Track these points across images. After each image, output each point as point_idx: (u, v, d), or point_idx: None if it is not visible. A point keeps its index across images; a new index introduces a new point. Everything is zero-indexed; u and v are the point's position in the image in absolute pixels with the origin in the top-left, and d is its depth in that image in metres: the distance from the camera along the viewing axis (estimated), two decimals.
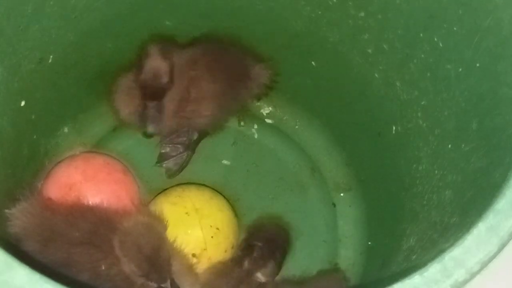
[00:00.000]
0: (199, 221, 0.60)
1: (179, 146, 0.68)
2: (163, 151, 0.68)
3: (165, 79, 0.60)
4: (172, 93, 0.62)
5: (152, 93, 0.61)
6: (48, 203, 0.56)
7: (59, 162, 0.64)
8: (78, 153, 0.67)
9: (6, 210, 0.54)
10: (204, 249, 0.60)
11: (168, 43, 0.63)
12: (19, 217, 0.54)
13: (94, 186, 0.60)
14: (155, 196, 0.65)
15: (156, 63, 0.60)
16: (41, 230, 0.53)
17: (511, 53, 0.43)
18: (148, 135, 0.62)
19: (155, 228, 0.54)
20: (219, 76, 0.64)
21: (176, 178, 0.68)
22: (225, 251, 0.61)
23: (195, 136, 0.68)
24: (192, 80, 0.63)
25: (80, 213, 0.54)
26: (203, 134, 0.69)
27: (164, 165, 0.68)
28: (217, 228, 0.61)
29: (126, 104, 0.64)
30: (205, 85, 0.63)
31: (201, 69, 0.64)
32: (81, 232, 0.53)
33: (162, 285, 0.52)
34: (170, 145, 0.68)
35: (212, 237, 0.60)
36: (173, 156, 0.68)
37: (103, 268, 0.51)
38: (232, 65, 0.66)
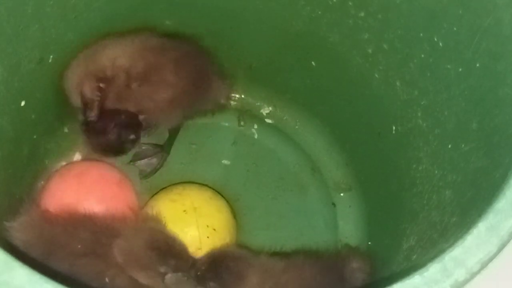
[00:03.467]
0: (196, 220, 0.60)
1: (154, 147, 0.68)
2: (138, 150, 0.68)
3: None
4: (131, 69, 0.62)
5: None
6: (46, 215, 0.56)
7: (55, 172, 0.64)
8: (74, 160, 0.67)
9: (6, 223, 0.53)
10: (199, 249, 0.59)
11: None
12: (19, 230, 0.53)
13: (86, 206, 0.58)
14: (156, 193, 0.64)
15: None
16: (41, 243, 0.53)
17: (511, 53, 0.43)
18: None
19: (157, 228, 0.54)
20: (182, 74, 0.64)
21: (178, 177, 0.67)
22: None
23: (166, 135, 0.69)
24: (155, 64, 0.63)
25: (79, 222, 0.54)
26: (172, 134, 0.69)
27: (137, 164, 0.68)
28: (214, 229, 0.61)
29: (78, 92, 0.63)
30: (165, 74, 0.63)
31: (167, 59, 0.63)
32: (83, 243, 0.52)
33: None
34: (145, 145, 0.68)
35: (208, 237, 0.60)
36: (147, 157, 0.68)
37: (107, 280, 0.51)
38: (198, 69, 0.65)
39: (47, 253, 0.52)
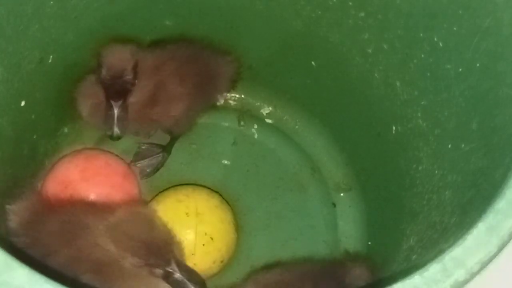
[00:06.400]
0: (196, 226, 0.60)
1: (155, 147, 0.68)
2: (139, 150, 0.68)
3: (129, 76, 0.59)
4: (136, 94, 0.60)
5: (117, 91, 0.58)
6: (45, 203, 0.56)
7: (62, 157, 0.64)
8: (81, 148, 0.67)
9: (7, 206, 0.54)
10: (192, 254, 0.59)
11: (130, 43, 0.62)
12: (18, 214, 0.54)
13: (89, 187, 0.59)
14: (166, 189, 0.64)
15: (118, 60, 0.59)
16: (34, 231, 0.53)
17: (511, 53, 0.43)
18: (115, 138, 0.60)
19: (143, 213, 0.53)
20: (187, 81, 0.64)
21: (177, 177, 0.67)
22: (213, 262, 0.61)
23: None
24: (158, 83, 0.62)
25: (57, 211, 0.54)
26: (175, 136, 0.69)
27: (138, 164, 0.68)
28: (211, 238, 0.60)
29: (87, 105, 0.63)
30: (172, 89, 0.63)
31: (168, 73, 0.63)
32: (57, 234, 0.52)
33: (168, 269, 0.50)
34: (146, 145, 0.69)
35: (203, 245, 0.60)
36: (148, 157, 0.68)
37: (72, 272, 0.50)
38: (202, 69, 0.66)
39: (37, 241, 0.52)
